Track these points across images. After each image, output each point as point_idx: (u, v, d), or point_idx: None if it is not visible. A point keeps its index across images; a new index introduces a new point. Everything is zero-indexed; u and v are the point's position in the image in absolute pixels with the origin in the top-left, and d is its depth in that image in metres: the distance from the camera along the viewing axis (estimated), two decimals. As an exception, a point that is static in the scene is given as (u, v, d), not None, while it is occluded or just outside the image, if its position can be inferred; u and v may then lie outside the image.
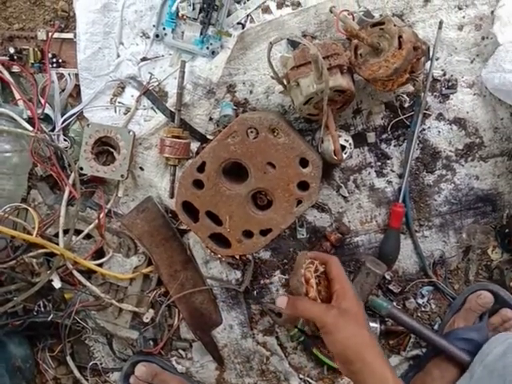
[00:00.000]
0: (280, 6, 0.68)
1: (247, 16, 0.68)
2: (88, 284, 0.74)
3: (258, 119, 0.64)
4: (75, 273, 0.73)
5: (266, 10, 0.68)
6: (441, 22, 0.65)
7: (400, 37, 0.58)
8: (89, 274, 0.76)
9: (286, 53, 0.68)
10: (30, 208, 0.72)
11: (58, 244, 0.72)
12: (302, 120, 0.71)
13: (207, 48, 0.67)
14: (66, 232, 0.73)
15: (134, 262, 0.75)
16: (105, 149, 0.70)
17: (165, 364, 0.80)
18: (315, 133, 0.71)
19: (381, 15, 0.67)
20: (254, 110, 0.71)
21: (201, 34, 0.67)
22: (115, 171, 0.69)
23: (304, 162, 0.65)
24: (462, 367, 0.70)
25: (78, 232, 0.73)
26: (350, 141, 0.69)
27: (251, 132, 0.65)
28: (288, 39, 0.68)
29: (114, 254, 0.74)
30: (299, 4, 0.68)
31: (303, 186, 0.66)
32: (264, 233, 0.68)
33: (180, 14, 0.65)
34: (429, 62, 0.66)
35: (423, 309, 0.78)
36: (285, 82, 0.64)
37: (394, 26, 0.59)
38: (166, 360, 0.81)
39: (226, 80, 0.70)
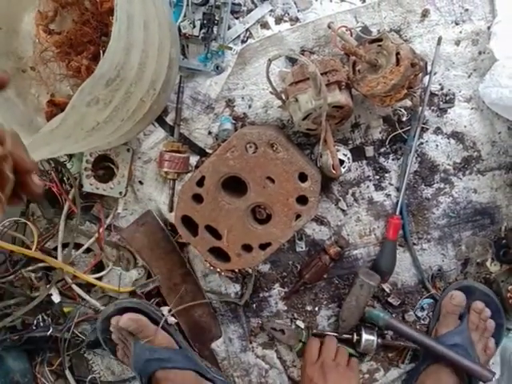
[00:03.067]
0: (278, 21, 0.69)
1: (246, 31, 0.69)
2: (87, 298, 0.74)
3: (256, 134, 0.64)
4: (74, 287, 0.73)
5: (265, 25, 0.69)
6: (439, 38, 0.66)
7: (398, 53, 0.59)
8: (88, 287, 0.76)
9: (285, 68, 0.69)
10: (28, 222, 0.73)
11: (57, 258, 0.72)
12: (301, 134, 0.71)
13: (212, 64, 0.68)
14: (65, 246, 0.73)
15: (134, 275, 0.75)
16: (106, 165, 0.71)
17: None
18: (314, 147, 0.71)
19: (378, 31, 0.68)
20: (252, 125, 0.72)
21: (204, 49, 0.67)
22: (114, 188, 0.69)
23: (303, 177, 0.65)
24: (458, 374, 0.71)
25: (77, 246, 0.73)
26: (349, 155, 0.69)
27: (250, 147, 0.65)
28: (287, 54, 0.69)
29: (114, 268, 0.74)
30: (297, 19, 0.69)
31: (302, 200, 0.66)
32: (263, 247, 0.68)
33: (182, 33, 0.65)
34: (426, 77, 0.67)
35: (422, 322, 0.78)
36: (283, 98, 0.65)
37: (392, 43, 0.59)
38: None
39: (225, 94, 0.70)
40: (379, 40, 0.61)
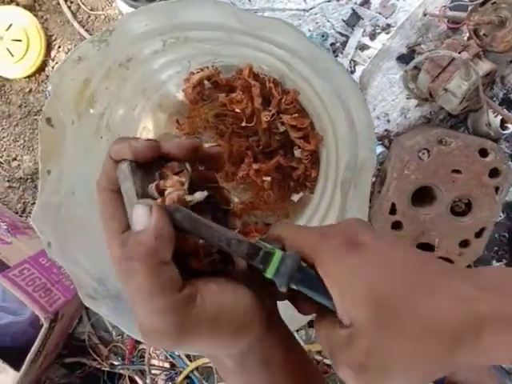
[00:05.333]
0: (373, 37, 0.71)
1: (350, 61, 0.72)
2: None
3: (423, 140, 0.66)
4: (327, 361, 0.75)
5: (363, 47, 0.71)
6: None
7: (518, -1, 0.60)
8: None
9: (403, 70, 0.70)
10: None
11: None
12: (449, 117, 0.72)
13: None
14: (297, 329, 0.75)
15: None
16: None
17: None
18: (466, 122, 0.72)
19: (466, -8, 0.69)
20: (398, 135, 0.73)
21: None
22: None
23: (483, 152, 0.66)
24: None
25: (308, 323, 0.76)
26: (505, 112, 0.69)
27: (423, 154, 0.66)
28: (397, 59, 0.71)
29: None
30: (389, 26, 0.71)
31: (494, 173, 0.66)
32: (478, 234, 0.69)
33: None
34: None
35: None
36: (422, 96, 0.67)
37: (506, -7, 0.60)
38: None
39: (362, 124, 0.73)
40: (490, -2, 0.62)
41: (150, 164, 0.28)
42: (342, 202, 0.58)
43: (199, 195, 0.28)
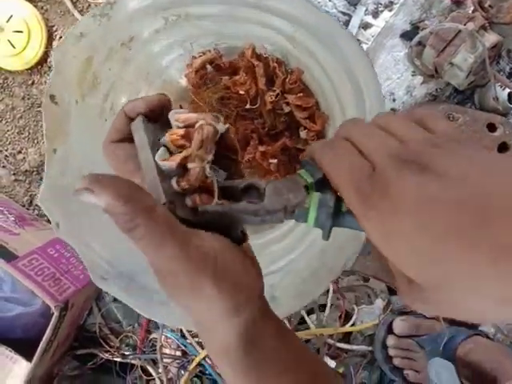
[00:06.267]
0: (375, 14, 0.71)
1: (354, 41, 0.71)
2: (354, 347, 0.75)
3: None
4: (339, 344, 0.74)
5: (366, 25, 0.71)
6: None
7: (523, -33, 0.59)
8: (345, 339, 0.77)
9: (408, 46, 0.70)
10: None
11: (309, 328, 0.74)
12: (455, 94, 0.71)
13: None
14: (308, 313, 0.75)
15: (380, 303, 0.75)
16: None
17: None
18: (473, 98, 0.71)
19: (468, -35, 0.68)
20: (404, 114, 0.72)
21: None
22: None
23: (491, 126, 0.65)
24: None
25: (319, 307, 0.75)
26: (512, 84, 0.68)
27: (430, 130, 0.65)
28: (400, 36, 0.70)
29: (359, 308, 0.75)
30: (392, 3, 0.70)
31: (503, 147, 0.65)
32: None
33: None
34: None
35: None
36: (431, 72, 0.66)
37: (511, -38, 0.59)
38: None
39: (367, 104, 0.72)
40: (494, -32, 0.61)
41: (159, 123, 0.29)
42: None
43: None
